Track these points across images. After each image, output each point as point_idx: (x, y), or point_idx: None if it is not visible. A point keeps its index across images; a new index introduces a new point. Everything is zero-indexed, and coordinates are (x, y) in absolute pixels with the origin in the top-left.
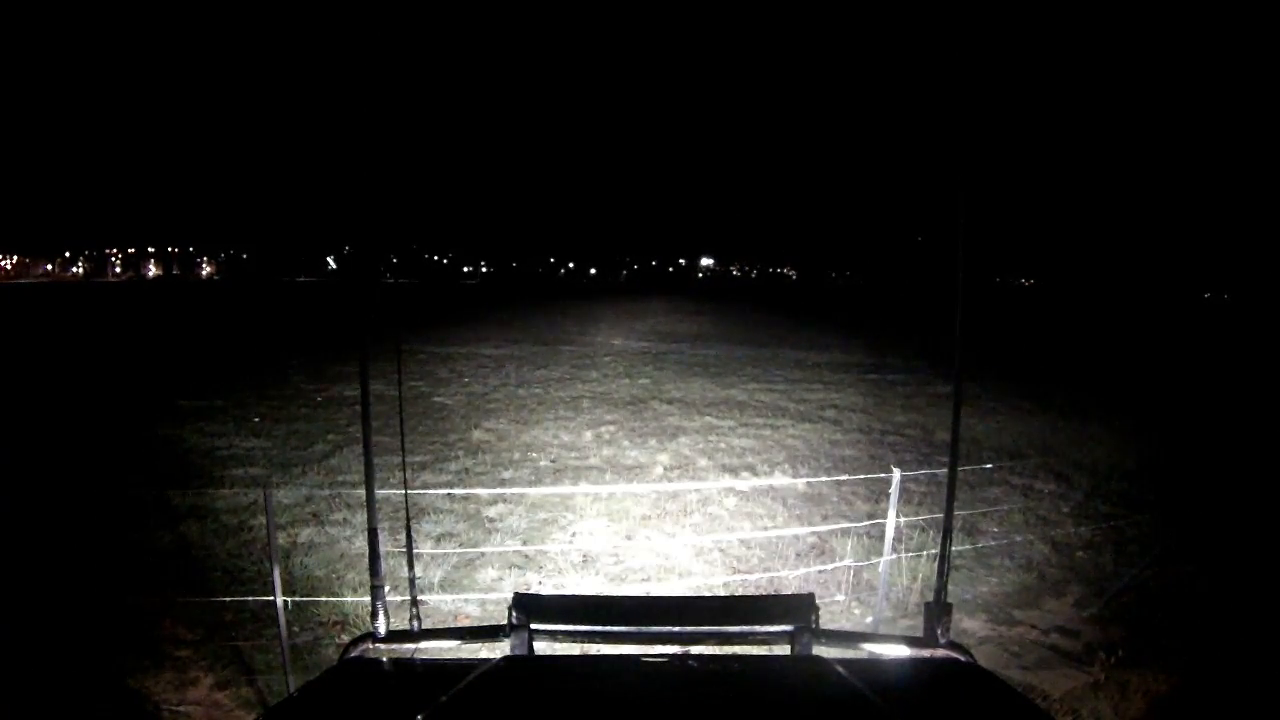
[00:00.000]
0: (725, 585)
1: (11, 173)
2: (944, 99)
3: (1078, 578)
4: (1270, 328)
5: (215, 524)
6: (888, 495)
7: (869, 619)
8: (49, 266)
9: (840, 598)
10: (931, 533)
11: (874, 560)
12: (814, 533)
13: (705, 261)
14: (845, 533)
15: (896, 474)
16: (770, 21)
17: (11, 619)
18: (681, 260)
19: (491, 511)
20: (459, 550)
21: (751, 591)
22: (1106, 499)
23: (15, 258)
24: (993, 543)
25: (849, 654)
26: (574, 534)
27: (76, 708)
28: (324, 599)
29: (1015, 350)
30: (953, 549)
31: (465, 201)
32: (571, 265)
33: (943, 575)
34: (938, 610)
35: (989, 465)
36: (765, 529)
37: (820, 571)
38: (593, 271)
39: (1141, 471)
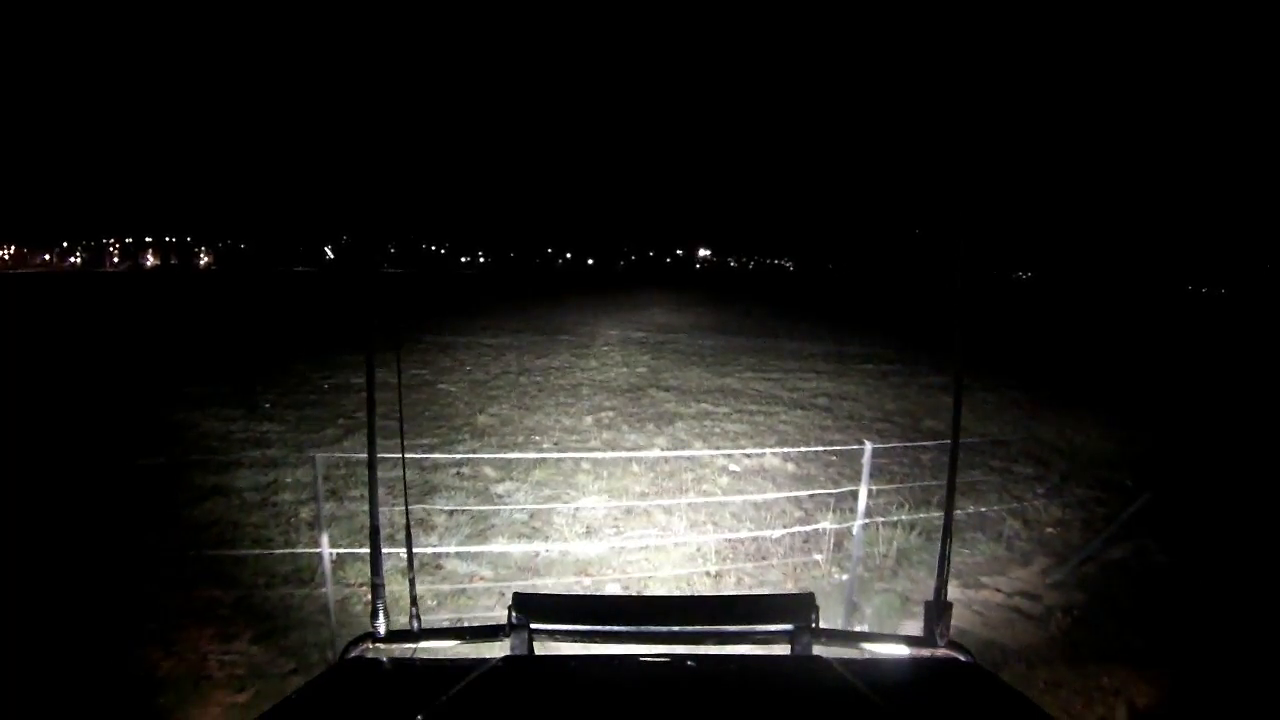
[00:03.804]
0: (717, 552)
1: (9, 163)
2: (942, 93)
3: (1045, 550)
4: (1264, 322)
5: (239, 500)
6: (879, 477)
7: (845, 576)
8: (46, 256)
9: (818, 557)
10: (903, 501)
11: (849, 524)
12: (793, 498)
13: (703, 252)
14: (826, 507)
15: (868, 447)
16: (770, 12)
17: (62, 589)
18: (679, 251)
19: (499, 489)
20: (471, 522)
21: (744, 560)
22: (1082, 482)
23: (13, 248)
24: (967, 517)
25: (849, 654)
26: (576, 508)
27: (132, 657)
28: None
29: (1010, 342)
30: (924, 520)
31: (463, 191)
32: (569, 255)
33: (942, 575)
34: (937, 610)
35: (973, 440)
36: (756, 504)
37: (805, 542)
38: (590, 262)
39: (1121, 458)
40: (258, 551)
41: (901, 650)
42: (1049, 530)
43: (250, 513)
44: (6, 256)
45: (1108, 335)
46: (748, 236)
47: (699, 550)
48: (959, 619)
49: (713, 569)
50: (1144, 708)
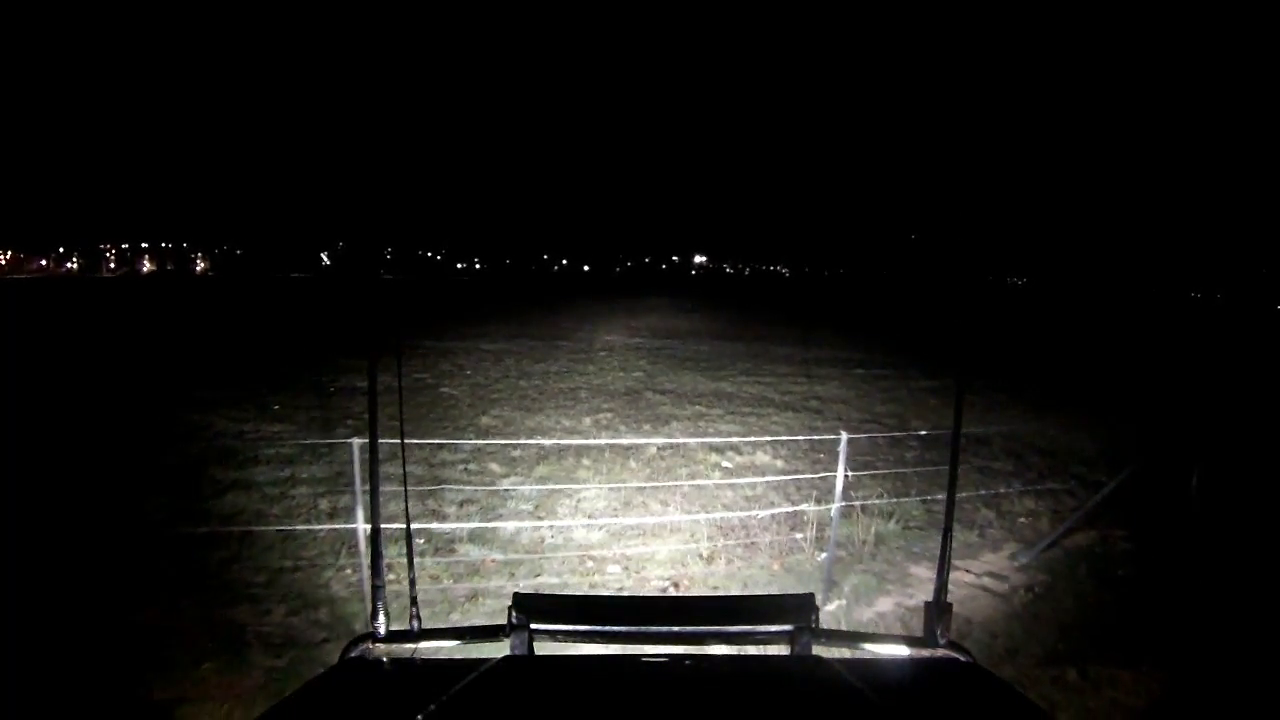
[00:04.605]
0: (709, 537)
1: (6, 168)
2: (937, 101)
3: (1015, 538)
4: (1259, 326)
5: (260, 493)
6: (863, 471)
7: (823, 556)
8: (44, 262)
9: (799, 536)
10: (883, 492)
11: (828, 506)
12: (780, 489)
13: (698, 259)
14: (810, 497)
15: (844, 437)
16: (767, 19)
17: (104, 573)
18: (675, 257)
19: (506, 483)
20: (480, 512)
21: (733, 543)
22: (1056, 477)
23: (9, 253)
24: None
25: (849, 654)
26: (579, 501)
27: (174, 631)
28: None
29: (1002, 345)
30: (902, 510)
31: (459, 197)
32: (565, 262)
33: (942, 575)
34: (937, 610)
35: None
36: (746, 496)
37: (792, 529)
38: (586, 268)
39: (1099, 457)
40: (301, 526)
41: (901, 650)
42: (1021, 520)
43: (272, 504)
44: (3, 262)
45: (1100, 340)
46: (743, 243)
47: (692, 535)
48: (927, 592)
49: (704, 550)
50: (1093, 671)
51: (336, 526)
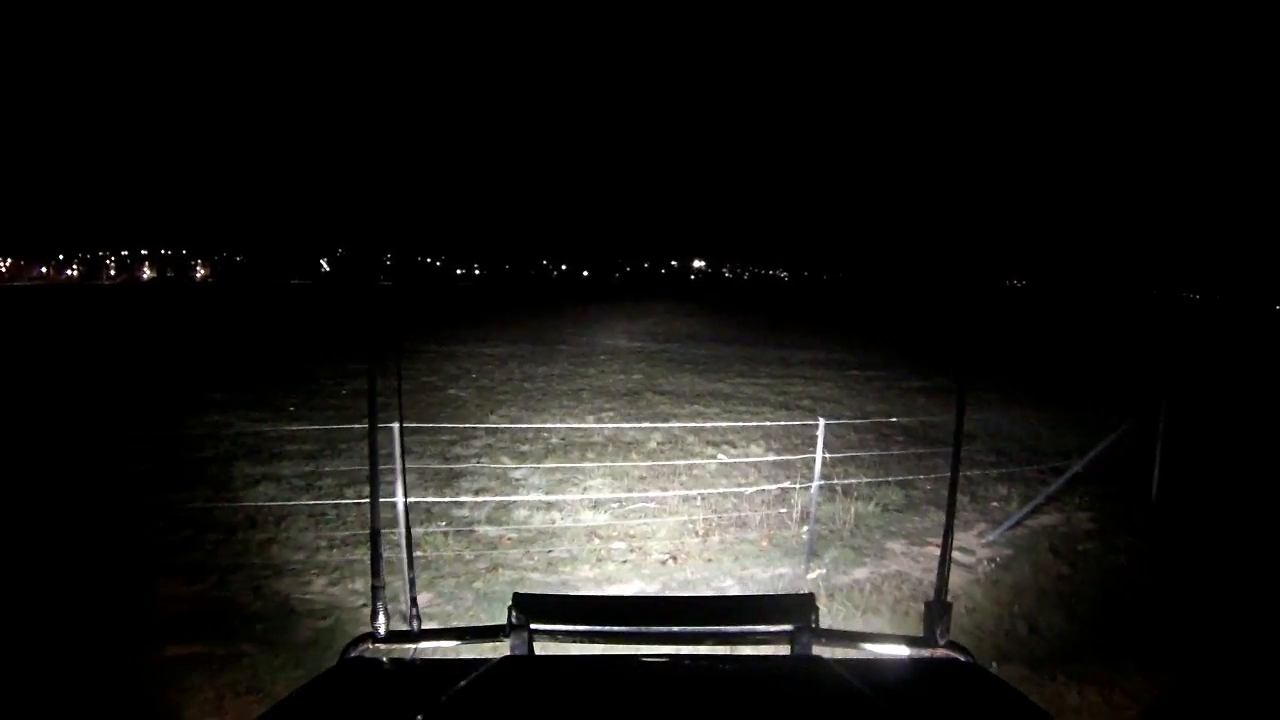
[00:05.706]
0: (703, 515)
1: (6, 175)
2: (936, 107)
3: (986, 519)
4: (1254, 327)
5: (288, 485)
6: (849, 462)
7: (805, 530)
8: (44, 269)
9: (782, 510)
10: (858, 474)
11: (808, 485)
12: (770, 475)
13: (698, 264)
14: (794, 481)
15: (821, 422)
16: (767, 26)
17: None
18: (674, 262)
19: (517, 473)
20: (495, 497)
21: (727, 523)
22: (1033, 467)
23: (10, 260)
24: (923, 494)
25: (849, 654)
26: (585, 488)
27: (221, 600)
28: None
29: (997, 346)
30: (889, 497)
31: (458, 204)
32: (564, 267)
33: (943, 574)
34: (938, 610)
35: (939, 422)
36: (740, 484)
37: (783, 511)
38: (585, 274)
39: (1078, 450)
40: (329, 503)
41: (901, 650)
42: (993, 504)
43: (300, 495)
44: (4, 269)
45: (1094, 340)
46: (742, 248)
47: (689, 515)
48: (905, 566)
49: (700, 528)
50: (1043, 626)
51: (363, 501)
